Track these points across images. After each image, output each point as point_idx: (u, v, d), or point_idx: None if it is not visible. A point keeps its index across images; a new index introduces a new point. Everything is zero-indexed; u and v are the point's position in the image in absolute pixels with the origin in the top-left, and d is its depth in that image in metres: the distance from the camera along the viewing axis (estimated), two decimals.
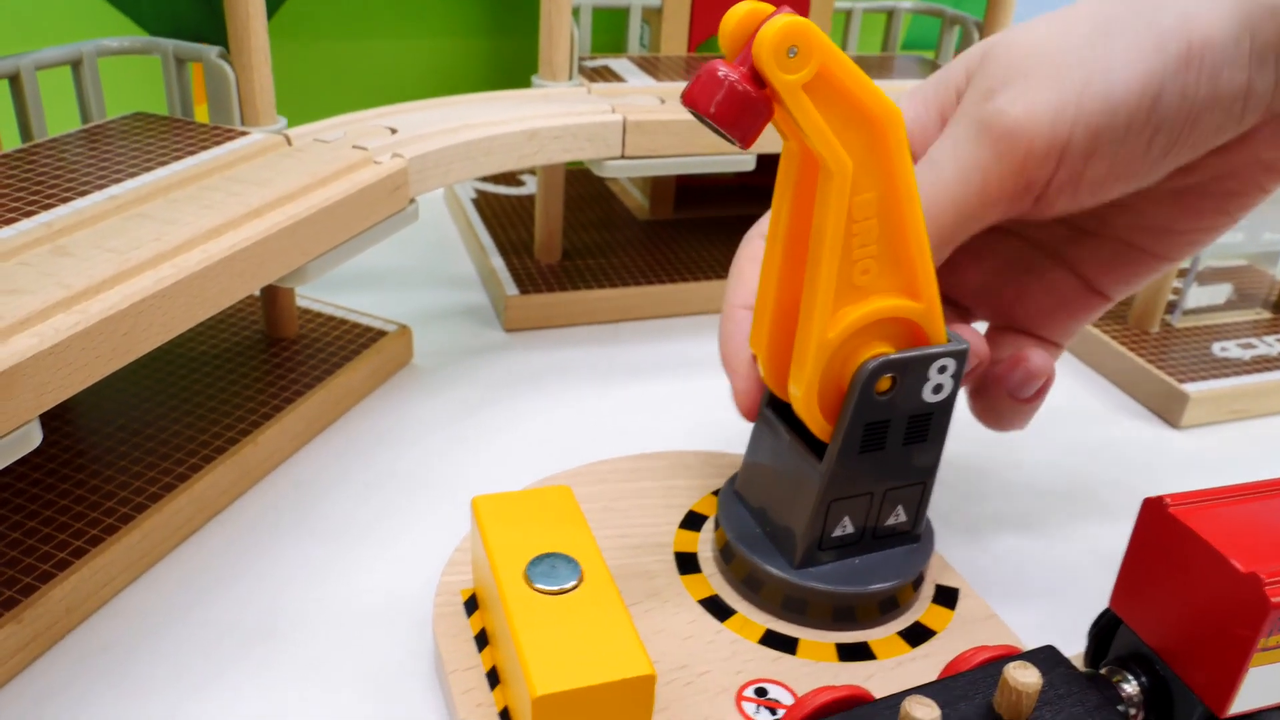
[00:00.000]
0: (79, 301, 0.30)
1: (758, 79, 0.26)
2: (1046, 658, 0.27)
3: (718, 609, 0.33)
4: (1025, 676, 0.25)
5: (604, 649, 0.27)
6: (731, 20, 0.26)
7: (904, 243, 0.29)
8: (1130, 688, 0.28)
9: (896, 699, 0.26)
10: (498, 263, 0.56)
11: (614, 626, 0.27)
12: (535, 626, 0.27)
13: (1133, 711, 0.28)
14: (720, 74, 0.26)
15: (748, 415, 0.35)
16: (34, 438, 0.28)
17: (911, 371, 0.31)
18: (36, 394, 0.27)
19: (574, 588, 0.29)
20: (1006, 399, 0.36)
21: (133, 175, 0.37)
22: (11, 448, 0.27)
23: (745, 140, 0.26)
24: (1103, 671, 0.29)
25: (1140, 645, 0.28)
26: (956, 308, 0.38)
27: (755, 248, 0.35)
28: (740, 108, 0.26)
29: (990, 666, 0.27)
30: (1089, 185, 0.31)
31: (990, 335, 0.37)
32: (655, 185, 0.64)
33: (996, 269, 0.37)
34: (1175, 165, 0.31)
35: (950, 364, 0.31)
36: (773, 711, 0.30)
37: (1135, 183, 0.31)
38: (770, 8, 0.26)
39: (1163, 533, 0.27)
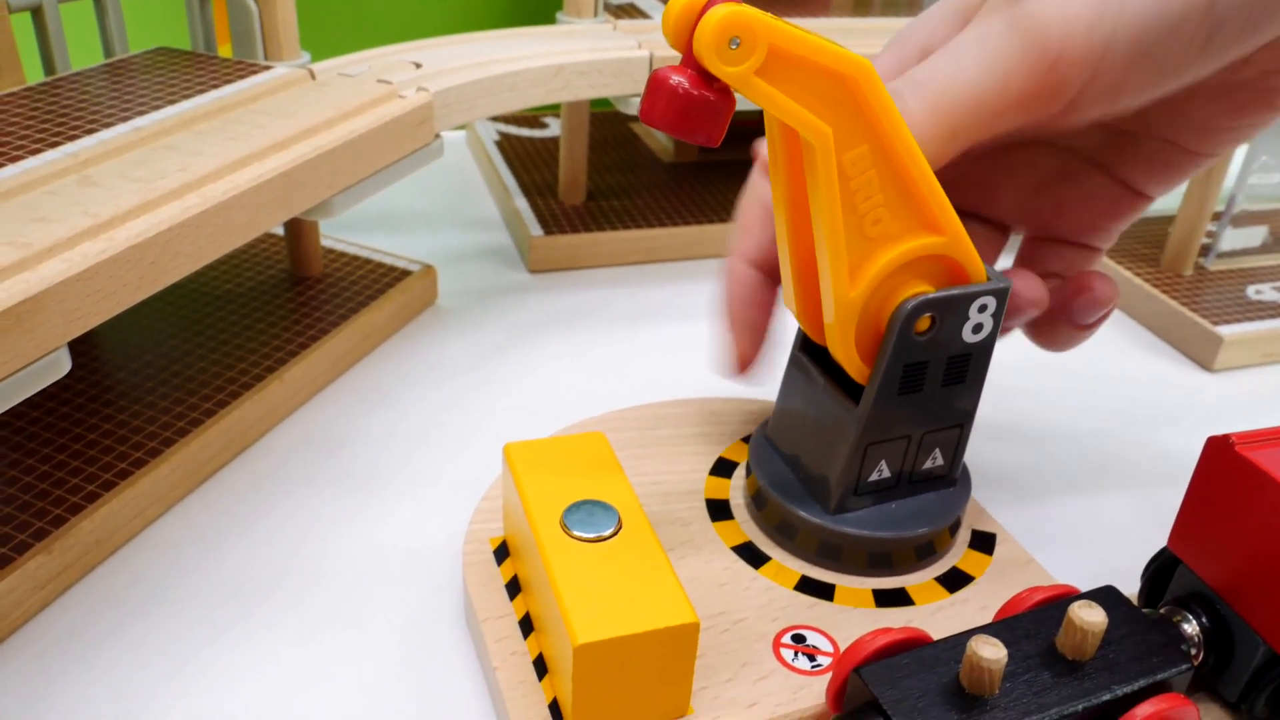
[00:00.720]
0: (106, 230, 0.29)
1: (708, 75, 0.24)
2: (1107, 598, 0.27)
3: (752, 555, 0.33)
4: (1091, 616, 0.24)
5: (646, 597, 0.26)
6: (671, 14, 0.25)
7: (910, 182, 0.28)
8: (1190, 628, 0.28)
9: (956, 640, 0.26)
10: (522, 204, 0.55)
11: (655, 574, 0.27)
12: (574, 574, 0.27)
13: (1193, 651, 0.27)
14: (671, 82, 0.24)
15: (738, 372, 0.34)
16: (63, 364, 0.27)
17: (951, 311, 0.30)
18: (65, 320, 0.27)
19: (612, 535, 0.28)
20: (1065, 324, 0.34)
21: (156, 108, 0.37)
22: (41, 374, 0.27)
23: (712, 141, 0.25)
24: (1162, 611, 0.28)
25: (1200, 585, 0.28)
26: (994, 225, 0.36)
27: (759, 189, 0.33)
28: (696, 115, 0.25)
29: (1050, 608, 0.26)
30: (1131, 90, 0.29)
31: (1030, 248, 0.36)
32: None
33: (1033, 182, 0.36)
34: (1229, 61, 0.29)
35: (991, 303, 0.30)
36: (811, 658, 0.29)
37: (1181, 83, 0.30)
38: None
39: (1227, 471, 0.27)
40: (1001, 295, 0.30)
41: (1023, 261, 0.36)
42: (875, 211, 0.28)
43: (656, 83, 0.25)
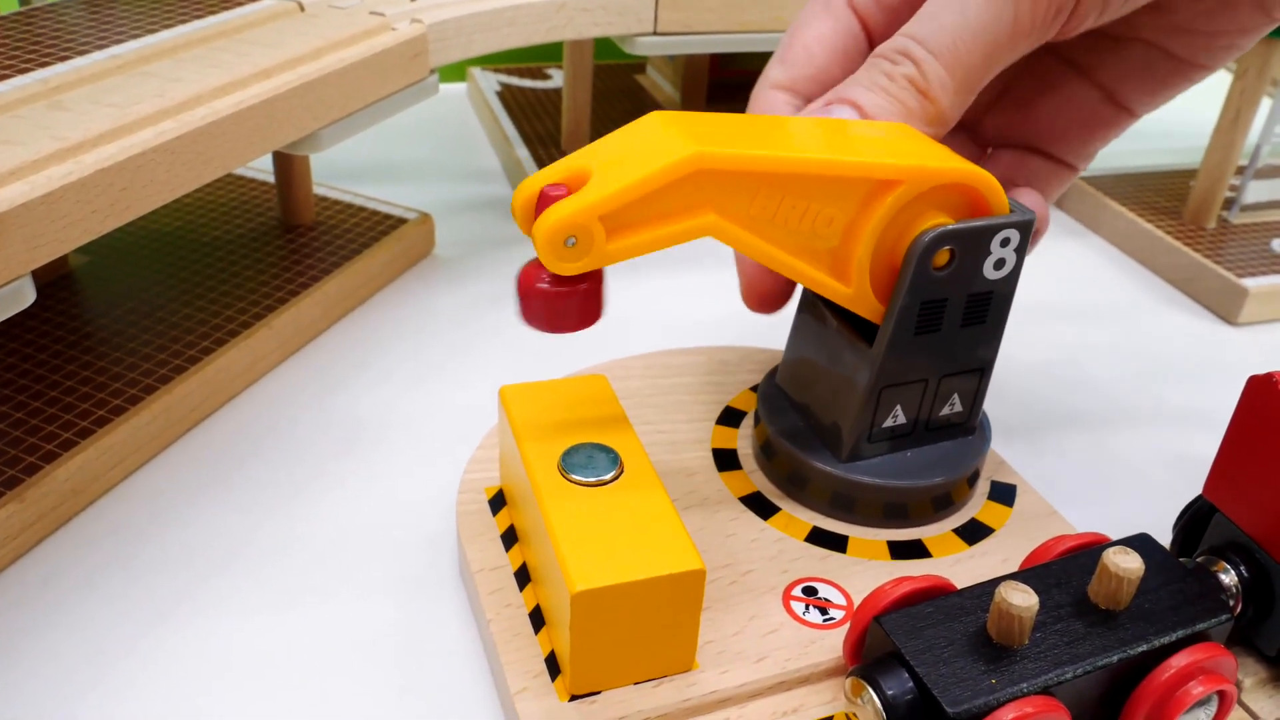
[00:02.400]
0: (74, 154, 0.27)
1: None
2: (1142, 545, 0.25)
3: (761, 506, 0.31)
4: (1127, 562, 0.23)
5: (649, 542, 0.24)
6: (516, 211, 0.25)
7: (824, 176, 0.26)
8: (1228, 578, 0.26)
9: (982, 588, 0.24)
10: (523, 153, 0.53)
11: (659, 519, 0.25)
12: (573, 520, 0.25)
13: (1231, 602, 0.26)
14: (537, 288, 0.25)
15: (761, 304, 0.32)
16: (27, 294, 0.26)
17: (972, 244, 0.28)
18: (28, 247, 0.25)
19: (614, 479, 0.26)
20: None
21: (136, 36, 0.35)
22: (3, 303, 0.25)
23: (592, 321, 0.26)
24: (1199, 561, 0.27)
25: (1238, 534, 0.26)
26: (966, 130, 0.34)
27: (815, 21, 0.32)
28: (567, 312, 0.25)
29: (1080, 556, 0.25)
30: None
31: (996, 156, 0.34)
32: (687, 78, 0.61)
33: (1006, 81, 0.34)
34: None
35: (1014, 236, 0.28)
36: (823, 611, 0.28)
37: None
38: (539, 186, 0.24)
39: (1270, 412, 0.25)
40: (1025, 228, 0.28)
41: (991, 167, 0.34)
42: (817, 220, 0.26)
43: (523, 290, 0.25)
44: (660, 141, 0.24)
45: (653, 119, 0.26)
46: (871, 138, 0.27)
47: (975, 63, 0.27)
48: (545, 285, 0.25)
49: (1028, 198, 0.31)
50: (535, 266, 0.25)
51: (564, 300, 0.25)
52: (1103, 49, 0.32)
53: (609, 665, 0.25)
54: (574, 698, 0.25)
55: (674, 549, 0.24)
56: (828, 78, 0.31)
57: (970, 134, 0.35)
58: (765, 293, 0.31)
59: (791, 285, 0.31)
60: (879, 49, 0.28)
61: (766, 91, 0.31)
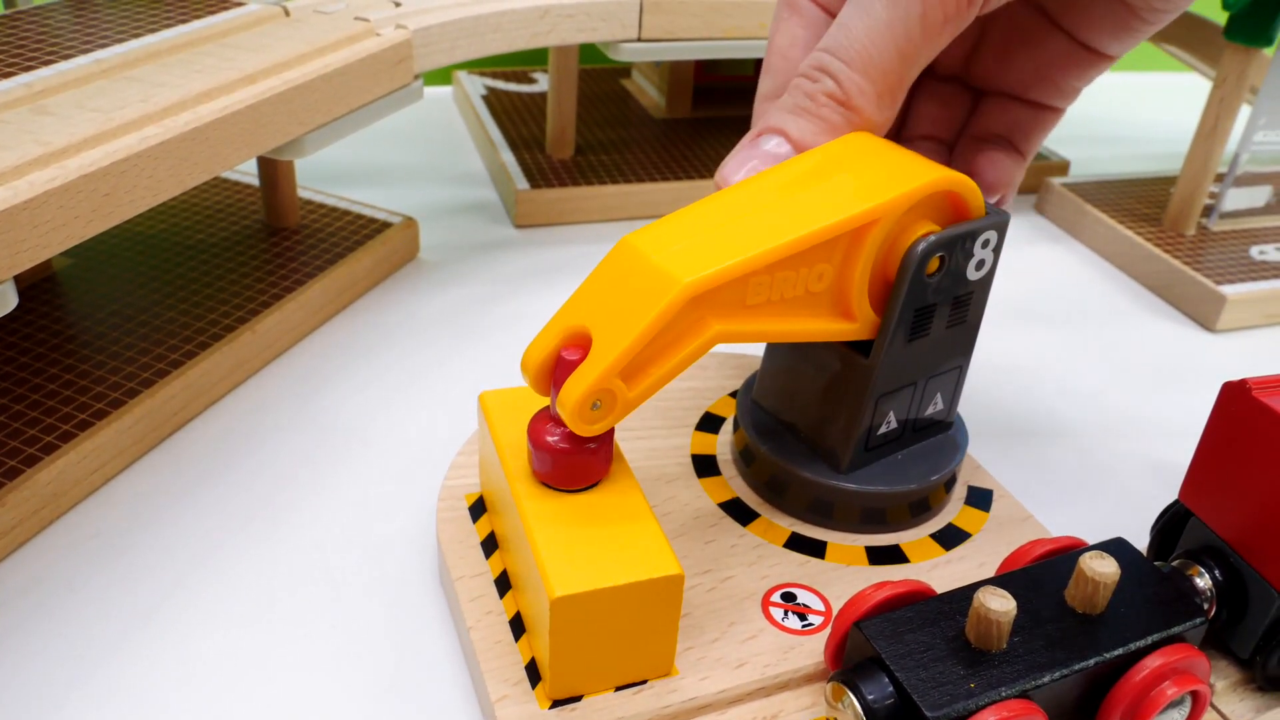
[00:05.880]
0: (58, 159, 0.27)
1: None
2: (1118, 550, 0.26)
3: (740, 512, 0.32)
4: (1103, 567, 0.23)
5: (627, 548, 0.24)
6: (529, 369, 0.25)
7: (805, 242, 0.26)
8: (1203, 581, 0.26)
9: (961, 593, 0.24)
10: (508, 157, 0.53)
11: (638, 525, 0.25)
12: (552, 525, 0.25)
13: (1206, 605, 0.26)
14: (551, 444, 0.25)
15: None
16: (9, 299, 0.26)
17: (958, 248, 0.28)
18: (10, 251, 0.25)
19: (593, 484, 0.26)
20: None
21: (120, 41, 0.35)
22: None
23: (604, 473, 0.26)
24: (1174, 565, 0.27)
25: (1212, 538, 0.27)
26: (952, 80, 0.34)
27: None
28: (585, 468, 0.26)
29: (1057, 560, 0.25)
30: None
31: (980, 108, 0.34)
32: (672, 83, 0.61)
33: (981, 31, 0.33)
34: None
35: (993, 237, 0.29)
36: (802, 617, 0.28)
37: None
38: (553, 345, 0.25)
39: (1244, 418, 0.25)
40: (1002, 228, 0.29)
41: (974, 118, 0.34)
42: (809, 279, 0.26)
43: (538, 444, 0.25)
44: (646, 277, 0.24)
45: (627, 247, 0.25)
46: (839, 175, 0.27)
47: (891, 64, 0.27)
48: (564, 445, 0.25)
49: (992, 168, 0.31)
50: (547, 425, 0.25)
51: (583, 459, 0.25)
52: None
53: (588, 670, 0.25)
54: (555, 704, 0.25)
55: (653, 554, 0.24)
56: None
57: (960, 83, 0.34)
58: None
59: None
60: (800, 68, 0.28)
61: (760, 106, 0.31)
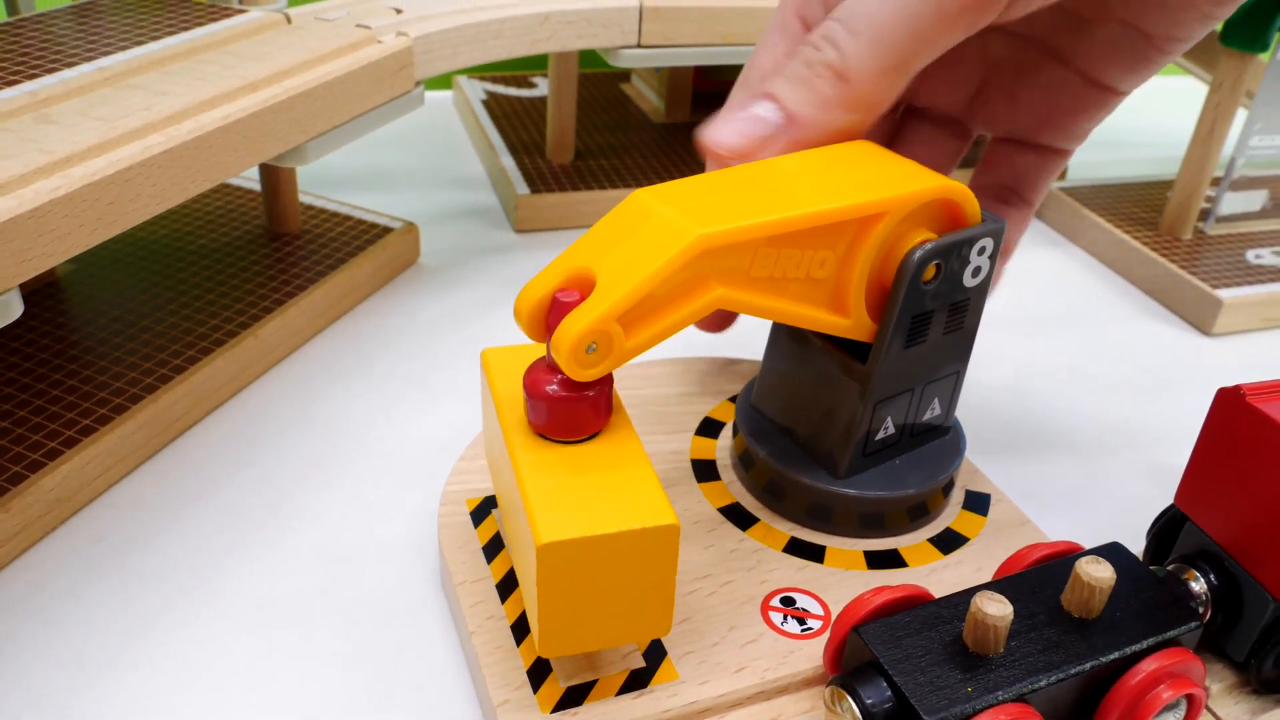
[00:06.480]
0: (62, 168, 0.28)
1: None
2: (1113, 554, 0.26)
3: (739, 517, 0.32)
4: (1099, 571, 0.23)
5: (621, 497, 0.23)
6: (523, 314, 0.24)
7: (811, 224, 0.26)
8: (1198, 585, 0.27)
9: (959, 598, 0.24)
10: (508, 162, 0.54)
11: (634, 475, 0.24)
12: (544, 474, 0.24)
13: (1201, 609, 0.26)
14: (547, 391, 0.24)
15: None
16: (14, 308, 0.26)
17: (955, 256, 0.29)
18: (16, 260, 0.25)
19: (591, 436, 0.25)
20: None
21: (124, 49, 0.35)
22: None
23: (602, 424, 0.25)
24: (1170, 569, 0.27)
25: (1208, 543, 0.27)
26: (951, 123, 0.34)
27: None
28: (581, 417, 0.25)
29: (1054, 565, 0.25)
30: None
31: (991, 151, 0.34)
32: (671, 87, 0.61)
33: (982, 71, 0.33)
34: None
35: (989, 244, 0.29)
36: (801, 621, 0.28)
37: None
38: (551, 286, 0.24)
39: (1238, 423, 0.26)
40: (998, 235, 0.29)
41: (980, 169, 0.34)
42: (812, 264, 0.27)
43: (534, 391, 0.24)
44: (657, 226, 0.24)
45: (639, 200, 0.25)
46: (848, 169, 0.27)
47: (900, 41, 0.26)
48: (559, 390, 0.24)
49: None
50: (543, 372, 0.24)
51: (578, 406, 0.24)
52: (1076, 31, 0.32)
53: (579, 627, 0.24)
54: (556, 708, 0.25)
55: (647, 504, 0.23)
56: None
57: (953, 129, 0.34)
58: (712, 317, 0.31)
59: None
60: (810, 35, 0.28)
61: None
